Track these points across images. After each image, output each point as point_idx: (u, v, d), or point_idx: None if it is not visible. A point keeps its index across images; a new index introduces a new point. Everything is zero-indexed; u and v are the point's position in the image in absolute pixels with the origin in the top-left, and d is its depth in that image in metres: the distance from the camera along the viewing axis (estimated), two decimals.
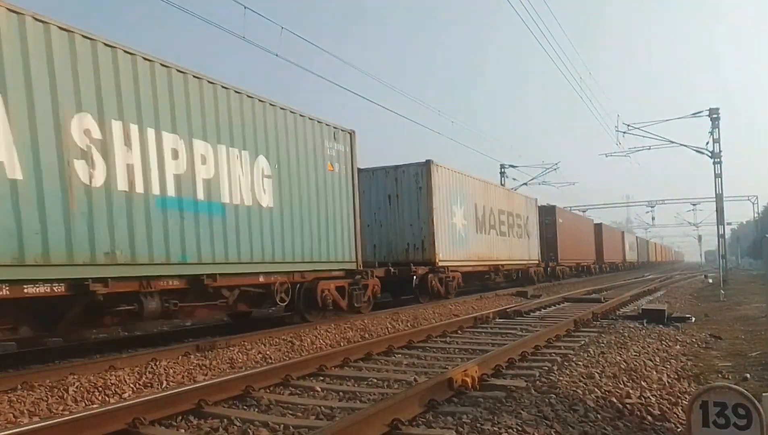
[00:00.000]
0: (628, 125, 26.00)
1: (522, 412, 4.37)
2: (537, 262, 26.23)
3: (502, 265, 21.77)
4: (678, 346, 7.91)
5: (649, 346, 7.67)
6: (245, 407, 5.15)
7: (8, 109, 6.21)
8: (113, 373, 6.49)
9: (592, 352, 7.14)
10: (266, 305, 11.18)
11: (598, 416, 4.38)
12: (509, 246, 22.57)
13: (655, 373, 5.96)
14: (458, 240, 17.65)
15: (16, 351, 8.30)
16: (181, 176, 8.27)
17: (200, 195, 8.57)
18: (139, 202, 7.61)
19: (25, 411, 5.18)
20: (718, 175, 25.83)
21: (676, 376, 5.94)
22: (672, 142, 26.33)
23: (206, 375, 6.68)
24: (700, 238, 67.84)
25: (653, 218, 58.53)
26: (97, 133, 7.12)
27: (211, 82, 8.91)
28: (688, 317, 10.86)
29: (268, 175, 9.99)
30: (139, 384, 6.21)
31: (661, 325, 9.84)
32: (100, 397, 5.71)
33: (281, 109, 10.41)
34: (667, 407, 4.66)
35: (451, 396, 5.03)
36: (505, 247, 22.00)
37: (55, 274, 6.63)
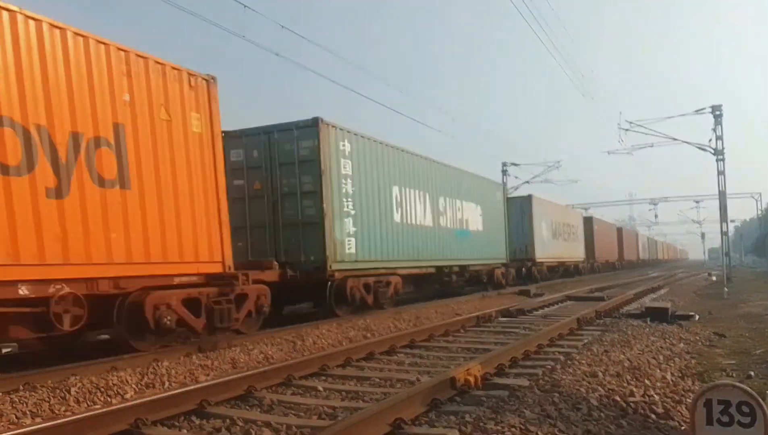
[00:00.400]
0: (631, 122, 25.91)
1: (525, 410, 4.35)
2: (583, 259, 35.83)
3: (565, 262, 31.60)
4: (682, 344, 7.88)
5: (652, 345, 7.64)
6: (247, 407, 5.14)
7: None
8: (115, 373, 6.49)
9: (595, 350, 7.12)
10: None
11: (602, 415, 4.36)
12: (569, 248, 32.24)
13: (658, 371, 5.93)
14: (545, 245, 27.42)
15: (18, 352, 8.30)
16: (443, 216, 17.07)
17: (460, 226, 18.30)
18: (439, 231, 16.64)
19: (28, 412, 5.18)
20: (721, 172, 25.76)
21: (680, 375, 5.91)
22: (675, 139, 26.25)
23: (208, 375, 6.67)
24: (703, 235, 67.66)
25: (656, 216, 58.47)
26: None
27: (437, 162, 16.83)
28: (692, 315, 10.83)
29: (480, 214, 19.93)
30: (141, 384, 6.20)
31: (664, 323, 9.81)
32: (102, 398, 5.70)
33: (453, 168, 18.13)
34: (670, 405, 4.63)
35: (454, 395, 5.01)
36: (567, 248, 31.78)
37: (426, 264, 15.86)
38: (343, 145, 12.13)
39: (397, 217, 14.19)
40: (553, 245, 28.95)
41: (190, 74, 8.49)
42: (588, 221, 38.61)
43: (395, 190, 14.18)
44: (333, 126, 11.82)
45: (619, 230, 50.59)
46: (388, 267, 13.68)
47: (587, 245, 37.00)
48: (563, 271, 31.86)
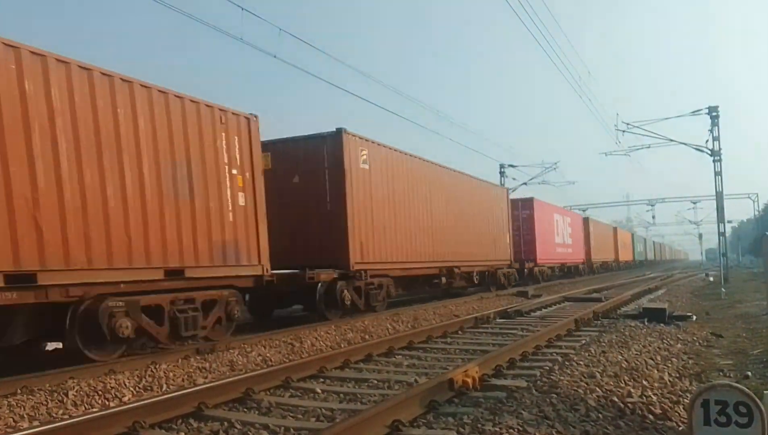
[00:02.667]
0: (628, 124, 25.93)
1: (523, 412, 4.36)
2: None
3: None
4: (679, 345, 7.89)
5: (650, 345, 7.65)
6: (245, 410, 5.13)
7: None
8: (113, 376, 6.48)
9: (593, 351, 7.13)
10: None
11: (600, 415, 4.36)
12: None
13: (656, 371, 5.94)
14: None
15: (16, 355, 8.27)
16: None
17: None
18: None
19: (25, 415, 5.17)
20: (718, 173, 25.80)
21: (678, 375, 5.92)
22: (672, 140, 26.28)
23: (206, 378, 6.66)
24: (700, 236, 67.73)
25: (653, 217, 58.48)
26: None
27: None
28: (689, 316, 10.84)
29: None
30: (139, 387, 6.19)
31: (662, 324, 9.82)
32: (99, 401, 5.69)
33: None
34: (668, 406, 4.63)
35: (452, 397, 5.02)
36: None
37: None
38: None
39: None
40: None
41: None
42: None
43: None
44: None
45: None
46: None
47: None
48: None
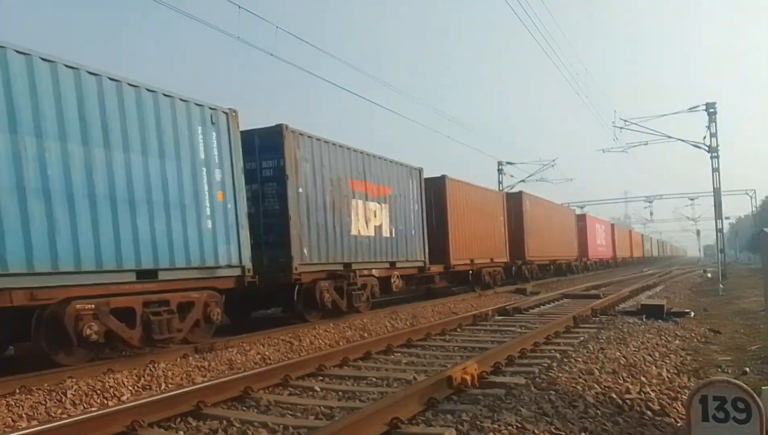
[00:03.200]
0: (625, 120, 25.98)
1: (522, 409, 4.36)
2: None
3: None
4: (677, 341, 7.91)
5: (648, 342, 7.67)
6: (244, 408, 5.13)
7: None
8: (111, 375, 6.47)
9: (591, 348, 7.14)
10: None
11: (598, 412, 4.37)
12: None
13: (654, 368, 5.96)
14: None
15: (14, 355, 8.26)
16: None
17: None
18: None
19: (24, 415, 5.17)
20: (715, 170, 25.89)
21: (676, 371, 5.94)
22: (669, 136, 26.34)
23: (205, 376, 6.66)
24: (698, 232, 67.86)
25: (651, 213, 58.56)
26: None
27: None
28: (687, 312, 10.87)
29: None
30: (138, 386, 6.19)
31: (660, 321, 9.85)
32: (98, 400, 5.69)
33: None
34: (666, 402, 4.65)
35: (451, 394, 5.02)
36: None
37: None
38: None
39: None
40: None
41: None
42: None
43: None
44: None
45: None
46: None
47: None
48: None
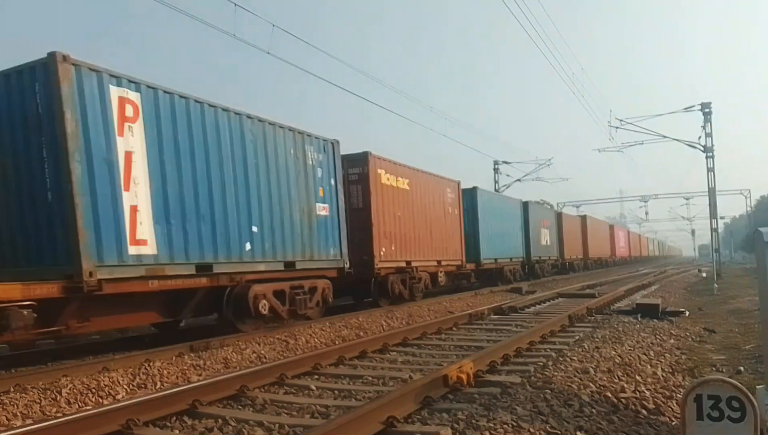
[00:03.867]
0: (621, 120, 26.00)
1: (517, 407, 4.37)
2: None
3: None
4: (672, 340, 7.94)
5: (643, 341, 7.69)
6: (240, 407, 5.13)
7: None
8: (106, 374, 6.45)
9: (586, 347, 7.15)
10: None
11: (593, 411, 4.38)
12: None
13: (649, 367, 5.97)
14: None
15: (9, 353, 8.24)
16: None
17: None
18: None
19: (18, 413, 5.15)
20: (710, 169, 25.94)
21: (671, 370, 5.96)
22: (665, 136, 26.38)
23: (200, 375, 6.65)
24: (693, 232, 68.11)
25: (647, 213, 58.76)
26: None
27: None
28: (682, 311, 10.91)
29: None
30: (133, 385, 6.17)
31: (655, 320, 9.88)
32: (93, 399, 5.67)
33: None
34: (661, 401, 4.66)
35: (447, 393, 5.02)
36: None
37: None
38: None
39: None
40: None
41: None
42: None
43: None
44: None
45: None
46: None
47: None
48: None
